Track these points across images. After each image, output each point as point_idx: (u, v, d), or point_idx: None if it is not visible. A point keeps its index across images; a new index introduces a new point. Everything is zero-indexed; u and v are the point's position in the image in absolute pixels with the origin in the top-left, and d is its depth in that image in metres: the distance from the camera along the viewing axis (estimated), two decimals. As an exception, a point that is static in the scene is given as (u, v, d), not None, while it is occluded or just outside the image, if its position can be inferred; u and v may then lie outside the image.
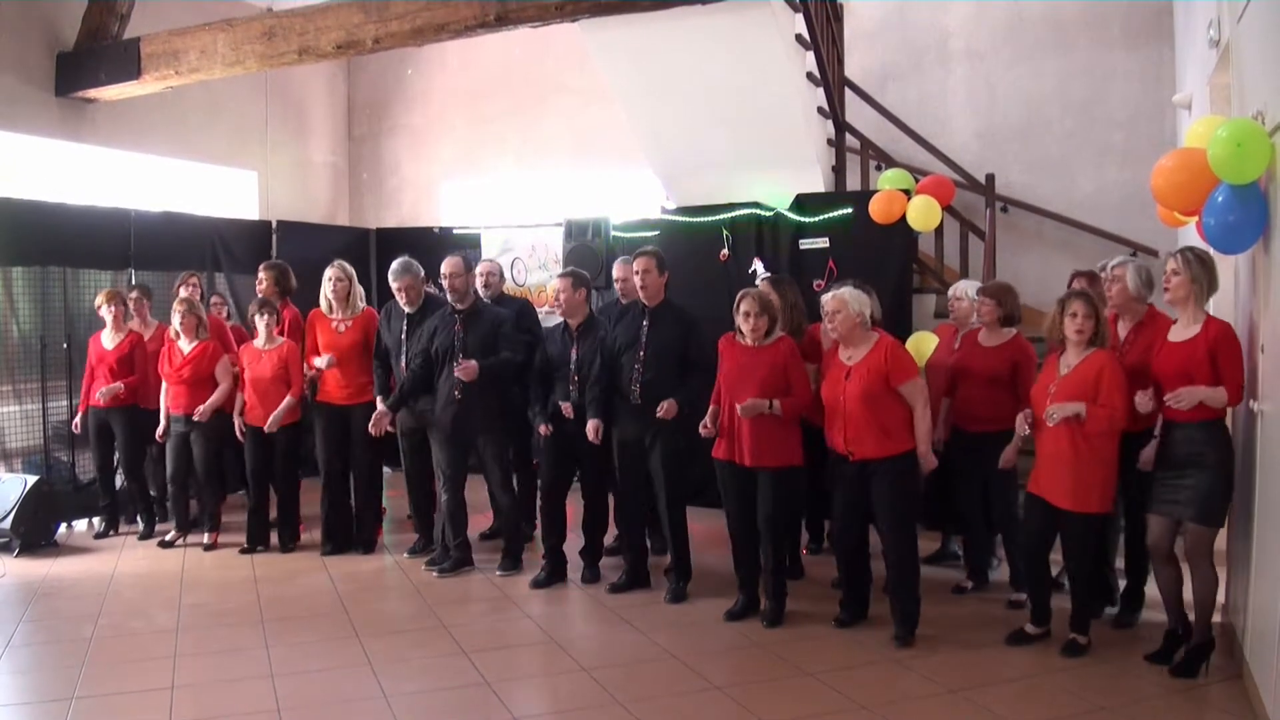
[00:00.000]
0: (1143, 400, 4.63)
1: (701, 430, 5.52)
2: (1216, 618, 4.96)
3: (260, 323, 6.86)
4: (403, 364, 6.48)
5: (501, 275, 7.34)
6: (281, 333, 6.98)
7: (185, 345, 6.97)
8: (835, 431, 5.23)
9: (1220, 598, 5.09)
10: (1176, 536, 4.69)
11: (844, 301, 5.15)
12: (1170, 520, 4.65)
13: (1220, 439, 4.54)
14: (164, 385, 7.06)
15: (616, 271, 6.57)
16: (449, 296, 6.26)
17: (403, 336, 6.54)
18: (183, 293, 7.41)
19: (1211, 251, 4.85)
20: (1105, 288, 5.26)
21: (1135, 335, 5.10)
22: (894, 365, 5.10)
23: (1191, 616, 4.69)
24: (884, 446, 5.08)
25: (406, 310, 6.56)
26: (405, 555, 6.79)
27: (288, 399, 6.80)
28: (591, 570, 6.23)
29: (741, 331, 5.41)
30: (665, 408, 5.60)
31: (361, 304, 7.01)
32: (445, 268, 6.25)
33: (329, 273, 6.89)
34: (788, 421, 5.33)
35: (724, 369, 5.49)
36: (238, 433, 7.01)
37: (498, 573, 6.30)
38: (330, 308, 6.90)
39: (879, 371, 5.09)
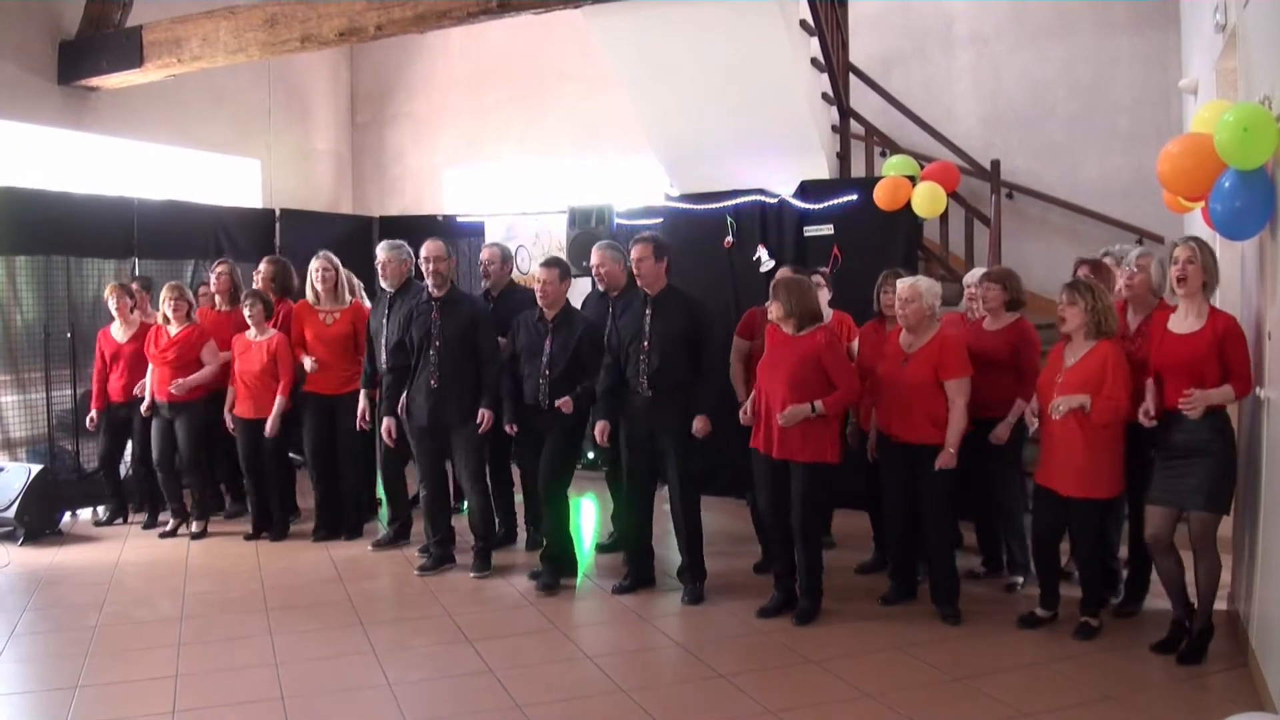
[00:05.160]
0: (1146, 420, 4.64)
1: (741, 418, 5.42)
2: (1221, 605, 4.97)
3: (248, 313, 6.86)
4: (382, 345, 6.39)
5: (504, 262, 6.93)
6: (274, 325, 6.99)
7: (173, 329, 6.99)
8: (885, 413, 5.43)
9: (1225, 586, 5.10)
10: (1176, 526, 4.68)
11: (919, 291, 5.29)
12: (1171, 510, 4.64)
13: (1224, 428, 4.53)
14: (149, 367, 7.08)
15: (593, 258, 6.24)
16: (431, 281, 6.05)
17: (384, 320, 6.45)
18: (213, 283, 7.57)
19: (1216, 238, 4.83)
20: (1127, 277, 5.20)
21: (1146, 326, 5.06)
22: (945, 360, 5.24)
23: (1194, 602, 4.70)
24: (932, 434, 5.22)
25: (387, 289, 6.49)
26: (369, 548, 6.75)
27: (279, 400, 6.82)
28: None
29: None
30: (700, 427, 5.48)
31: (350, 296, 6.99)
32: (428, 251, 6.04)
33: (316, 264, 6.89)
34: (828, 416, 5.19)
35: (764, 355, 5.39)
36: (228, 426, 7.01)
37: (471, 575, 6.09)
38: (318, 299, 6.90)
39: (932, 363, 5.24)
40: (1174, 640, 4.73)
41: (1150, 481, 4.72)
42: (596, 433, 5.78)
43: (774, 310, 5.26)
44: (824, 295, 6.22)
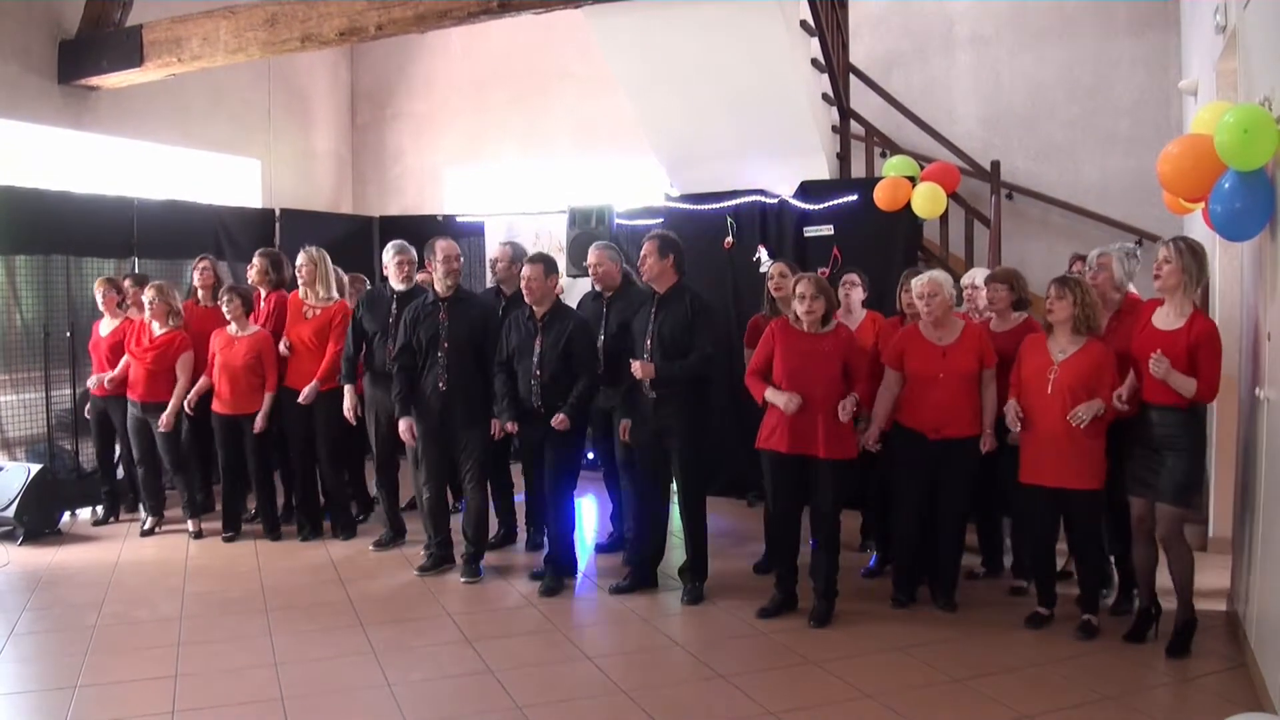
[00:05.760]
0: (1119, 405, 4.72)
1: (787, 406, 5.11)
2: (1220, 606, 4.99)
3: (225, 309, 6.85)
4: (389, 346, 6.30)
5: (514, 261, 6.68)
6: (266, 316, 6.97)
7: (158, 328, 6.97)
8: (921, 410, 5.31)
9: (1226, 586, 5.11)
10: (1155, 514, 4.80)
11: (939, 284, 5.30)
12: (1149, 501, 4.75)
13: (1195, 425, 4.63)
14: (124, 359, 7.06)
15: (590, 257, 6.25)
16: (445, 280, 6.00)
17: (390, 319, 6.39)
18: (195, 278, 7.54)
19: (1216, 239, 4.84)
20: (1090, 277, 5.25)
21: (1116, 323, 5.11)
22: (987, 348, 5.30)
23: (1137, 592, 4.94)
24: (969, 428, 5.26)
25: (399, 288, 6.45)
26: (369, 549, 6.73)
27: (267, 397, 6.80)
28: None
29: (798, 316, 5.19)
30: (638, 369, 5.50)
31: (335, 294, 6.96)
32: (446, 250, 6.00)
33: (299, 257, 6.92)
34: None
35: (781, 356, 5.20)
36: (187, 406, 6.91)
37: (461, 580, 6.03)
38: (305, 292, 6.92)
39: (976, 353, 5.26)
40: (1140, 630, 4.88)
41: (1125, 473, 4.84)
42: (622, 430, 5.79)
43: (816, 308, 5.11)
44: (858, 294, 6.22)
